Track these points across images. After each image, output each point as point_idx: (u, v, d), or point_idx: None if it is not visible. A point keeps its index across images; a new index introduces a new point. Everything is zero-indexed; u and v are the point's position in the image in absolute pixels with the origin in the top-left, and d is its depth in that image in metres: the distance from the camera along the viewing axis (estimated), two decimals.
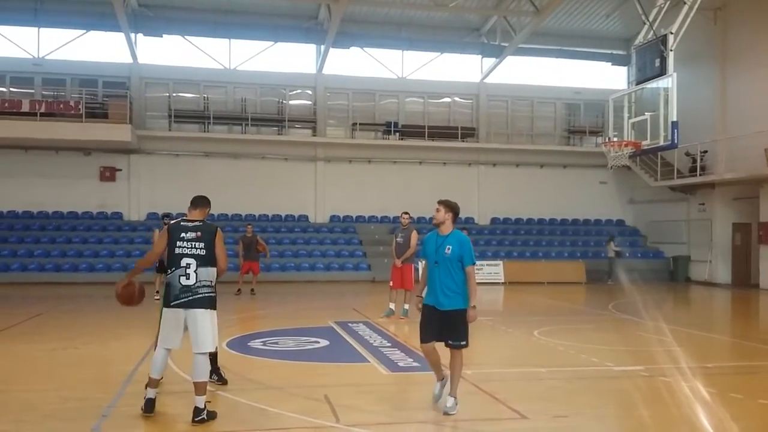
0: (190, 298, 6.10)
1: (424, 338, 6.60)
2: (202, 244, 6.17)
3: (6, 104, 23.07)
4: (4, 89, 24.85)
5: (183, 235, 6.19)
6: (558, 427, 6.22)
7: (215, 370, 7.54)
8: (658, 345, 10.67)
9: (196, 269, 6.12)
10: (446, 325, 6.48)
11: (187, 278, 6.10)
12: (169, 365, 7.46)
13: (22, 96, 24.34)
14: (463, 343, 6.51)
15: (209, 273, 6.19)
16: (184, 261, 6.12)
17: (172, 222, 6.44)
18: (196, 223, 6.30)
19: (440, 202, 6.70)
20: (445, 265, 6.47)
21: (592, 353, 9.79)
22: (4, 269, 22.03)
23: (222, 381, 7.49)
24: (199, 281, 6.12)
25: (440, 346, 6.57)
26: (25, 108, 22.91)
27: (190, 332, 6.14)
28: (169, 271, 6.20)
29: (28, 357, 9.37)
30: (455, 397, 6.49)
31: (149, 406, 6.23)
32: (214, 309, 6.28)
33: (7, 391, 7.26)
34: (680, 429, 6.29)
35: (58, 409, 6.45)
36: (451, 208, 6.67)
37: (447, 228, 6.62)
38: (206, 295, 6.16)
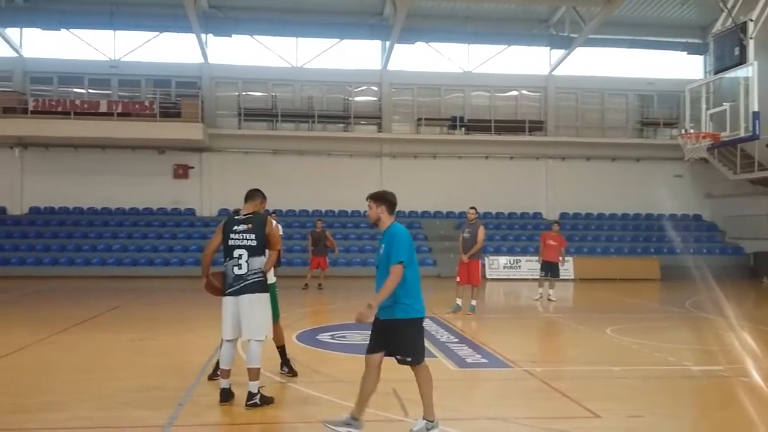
0: (242, 284, 6.39)
1: (367, 348, 5.75)
2: (252, 236, 6.45)
3: (85, 105, 24.07)
4: (83, 91, 25.93)
5: (235, 227, 6.50)
6: (632, 427, 6.05)
7: (285, 362, 7.68)
8: (738, 344, 10.24)
9: (248, 259, 6.40)
10: (389, 338, 5.61)
11: (240, 268, 6.40)
12: (241, 357, 7.62)
13: (100, 97, 25.38)
14: (409, 359, 5.58)
15: (261, 262, 6.47)
16: (236, 252, 6.43)
17: (226, 218, 6.76)
18: (248, 216, 6.59)
19: (368, 197, 5.71)
20: (383, 267, 5.51)
21: (668, 352, 9.47)
22: (84, 263, 23.03)
23: (292, 373, 7.61)
24: (251, 270, 6.41)
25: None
26: (103, 108, 23.89)
27: (243, 319, 6.37)
28: (225, 261, 6.50)
29: (109, 347, 9.76)
30: (428, 421, 5.59)
31: (224, 395, 6.45)
32: (266, 292, 6.51)
33: (90, 379, 7.58)
34: (760, 431, 6.01)
35: (137, 398, 6.69)
36: (381, 199, 5.63)
37: (384, 224, 5.62)
38: (256, 280, 6.43)
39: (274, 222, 7.46)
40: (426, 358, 8.93)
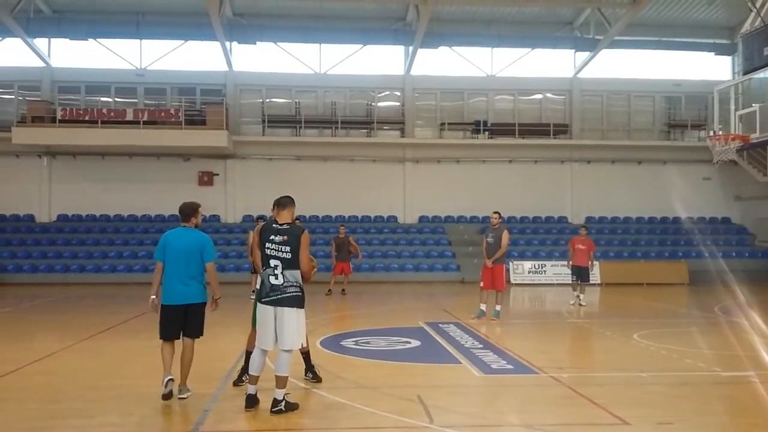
0: (279, 296, 6.40)
1: None
2: (288, 248, 6.43)
3: (112, 114, 24.39)
4: (109, 99, 26.29)
5: (272, 237, 6.49)
6: None
7: (310, 368, 7.68)
8: None
9: (283, 271, 6.41)
10: None
11: (276, 278, 6.42)
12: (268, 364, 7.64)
13: (126, 105, 25.71)
14: None
15: (295, 274, 6.46)
16: (272, 262, 6.45)
17: (264, 224, 6.75)
18: (284, 227, 6.53)
19: None
20: None
21: (698, 357, 9.30)
22: (111, 270, 23.28)
23: (317, 379, 7.61)
24: (287, 281, 6.42)
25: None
26: (129, 117, 24.16)
27: (277, 329, 6.39)
28: (261, 270, 6.55)
29: (135, 353, 9.84)
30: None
31: (250, 401, 6.48)
32: (302, 308, 6.51)
33: (117, 385, 7.65)
34: None
35: (164, 404, 6.74)
36: None
37: None
38: (294, 294, 6.43)
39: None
40: (450, 364, 8.97)
